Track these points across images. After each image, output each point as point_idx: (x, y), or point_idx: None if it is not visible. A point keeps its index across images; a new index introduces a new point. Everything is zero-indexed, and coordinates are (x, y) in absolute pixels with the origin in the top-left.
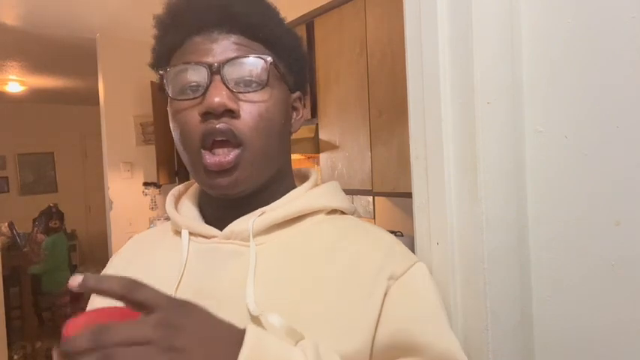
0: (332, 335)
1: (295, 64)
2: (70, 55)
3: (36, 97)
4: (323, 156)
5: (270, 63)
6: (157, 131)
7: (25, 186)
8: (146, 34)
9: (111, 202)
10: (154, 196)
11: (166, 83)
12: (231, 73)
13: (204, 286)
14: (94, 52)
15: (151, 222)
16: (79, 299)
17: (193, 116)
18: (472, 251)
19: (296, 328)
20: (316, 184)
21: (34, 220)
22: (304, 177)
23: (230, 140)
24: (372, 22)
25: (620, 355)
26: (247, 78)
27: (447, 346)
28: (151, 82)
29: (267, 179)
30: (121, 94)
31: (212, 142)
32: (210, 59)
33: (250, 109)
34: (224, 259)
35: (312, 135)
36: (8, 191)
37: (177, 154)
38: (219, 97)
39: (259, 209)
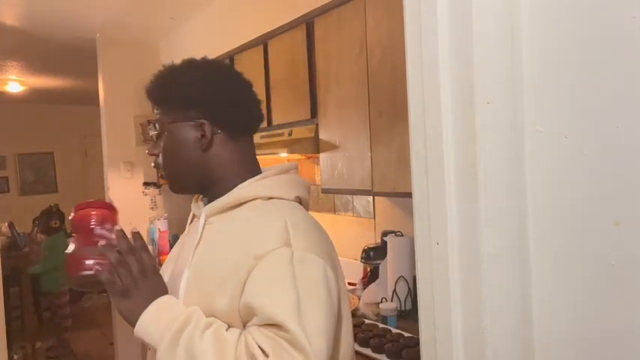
0: (216, 294)
1: (191, 109)
2: (70, 55)
3: (36, 97)
4: (323, 156)
5: (155, 124)
6: None
7: (25, 186)
8: (146, 34)
9: (111, 202)
10: (154, 196)
11: None
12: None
13: (181, 249)
14: (94, 52)
15: (151, 222)
16: (78, 300)
17: None
18: (472, 251)
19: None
20: (265, 178)
21: (34, 220)
22: (279, 171)
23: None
24: (372, 22)
25: (619, 355)
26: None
27: (275, 310)
28: None
29: (198, 184)
30: (121, 94)
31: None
32: None
33: (163, 149)
34: (193, 231)
35: (312, 135)
36: (8, 191)
37: None
38: (148, 149)
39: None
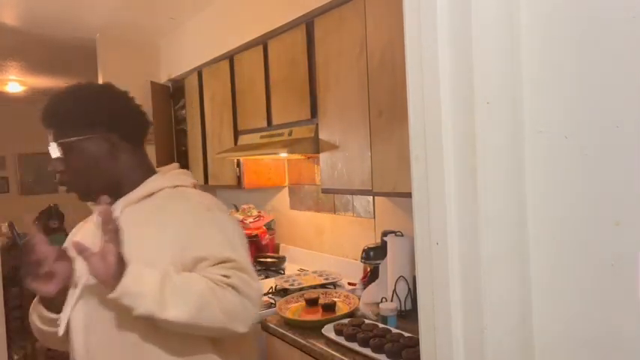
0: (160, 260)
1: (89, 128)
2: (70, 55)
3: (36, 97)
4: (323, 156)
5: (59, 144)
6: (157, 131)
7: (25, 186)
8: (146, 34)
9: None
10: None
11: None
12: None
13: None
14: (94, 52)
15: None
16: None
17: None
18: (472, 251)
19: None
20: (165, 173)
21: (34, 220)
22: (172, 168)
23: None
24: (372, 22)
25: (619, 355)
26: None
27: (220, 251)
28: (151, 82)
29: (107, 187)
30: None
31: None
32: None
33: (67, 165)
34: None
35: (312, 135)
36: (8, 191)
37: (178, 154)
38: (50, 166)
39: (121, 199)
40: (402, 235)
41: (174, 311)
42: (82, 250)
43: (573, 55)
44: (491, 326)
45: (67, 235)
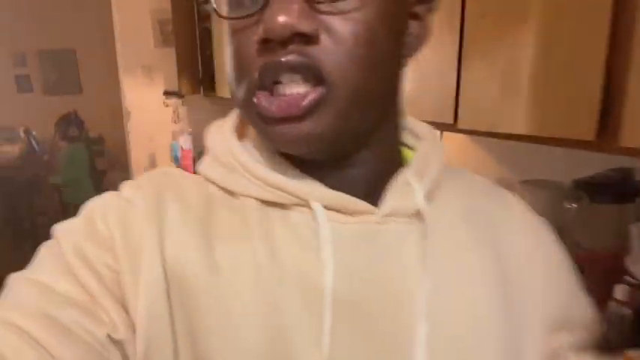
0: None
1: None
2: None
3: None
4: None
5: None
6: (177, 31)
7: (48, 85)
8: None
9: (128, 113)
10: (177, 108)
11: None
12: None
13: (370, 285)
14: None
15: (174, 137)
16: None
17: (249, 42)
18: None
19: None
20: (424, 131)
21: (56, 125)
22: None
23: (306, 78)
24: None
25: None
26: None
27: None
28: None
29: (363, 133)
30: None
31: (273, 82)
32: None
33: (339, 29)
34: (389, 245)
35: None
36: (32, 91)
37: (202, 59)
38: (284, 16)
39: (404, 176)
40: None
41: None
42: None
43: None
44: None
45: (87, 146)
